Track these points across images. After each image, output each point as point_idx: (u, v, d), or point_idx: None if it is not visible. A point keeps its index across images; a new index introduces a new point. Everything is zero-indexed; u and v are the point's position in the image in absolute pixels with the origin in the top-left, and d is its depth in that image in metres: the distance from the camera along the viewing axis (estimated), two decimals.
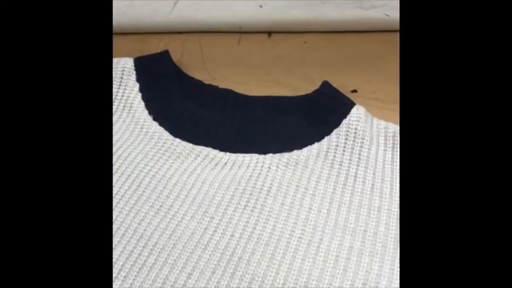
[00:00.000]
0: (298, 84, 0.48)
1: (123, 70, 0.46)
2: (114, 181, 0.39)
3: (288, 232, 0.37)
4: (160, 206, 0.38)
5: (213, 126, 0.44)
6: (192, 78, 0.48)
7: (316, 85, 0.46)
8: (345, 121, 0.42)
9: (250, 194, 0.39)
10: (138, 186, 0.39)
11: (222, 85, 0.47)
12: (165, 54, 0.48)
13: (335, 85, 0.45)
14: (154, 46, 0.51)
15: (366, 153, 0.41)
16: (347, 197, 0.39)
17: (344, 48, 0.51)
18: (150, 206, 0.38)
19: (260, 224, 0.37)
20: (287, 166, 0.41)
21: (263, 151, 0.42)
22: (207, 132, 0.43)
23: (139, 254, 0.36)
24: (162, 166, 0.41)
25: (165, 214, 0.38)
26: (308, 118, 0.44)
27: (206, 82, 0.48)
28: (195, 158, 0.41)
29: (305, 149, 0.42)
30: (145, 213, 0.38)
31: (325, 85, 0.46)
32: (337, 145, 0.42)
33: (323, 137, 0.42)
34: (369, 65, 0.49)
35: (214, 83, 0.47)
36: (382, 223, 0.37)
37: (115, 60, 0.46)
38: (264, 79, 0.49)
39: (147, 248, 0.36)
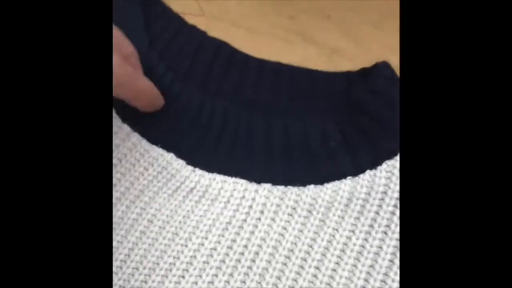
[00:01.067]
0: (338, 43, 0.30)
1: None
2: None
3: None
4: None
5: (187, 113, 0.29)
6: (164, 10, 0.30)
7: (366, 51, 0.28)
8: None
9: (224, 256, 0.26)
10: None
11: (216, 28, 0.29)
12: None
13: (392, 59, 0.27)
14: None
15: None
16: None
17: None
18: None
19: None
20: (293, 215, 0.26)
21: (258, 174, 0.27)
22: (176, 121, 0.29)
23: None
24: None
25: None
26: (343, 124, 0.28)
27: (193, 18, 0.29)
28: (147, 170, 0.29)
29: (329, 186, 0.27)
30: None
31: (382, 66, 0.28)
32: (385, 192, 0.26)
33: (363, 170, 0.27)
34: None
35: (203, 22, 0.29)
36: None
37: None
38: (284, 27, 0.31)
39: None
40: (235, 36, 0.29)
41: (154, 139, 0.28)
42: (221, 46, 0.30)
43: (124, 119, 0.28)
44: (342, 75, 0.29)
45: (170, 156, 0.28)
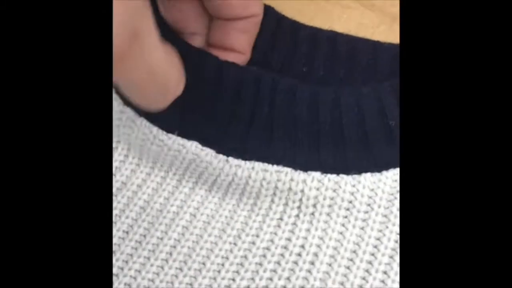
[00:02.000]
0: None
1: None
2: None
3: None
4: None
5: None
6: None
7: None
8: None
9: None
10: None
11: None
12: None
13: None
14: None
15: None
16: None
17: None
18: None
19: None
20: (350, 209, 0.23)
21: (301, 155, 0.23)
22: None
23: None
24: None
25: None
26: None
27: None
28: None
29: (388, 175, 0.23)
30: None
31: None
32: None
33: None
34: None
35: None
36: None
37: None
38: None
39: None
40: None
41: (167, 126, 0.23)
42: (266, 12, 0.25)
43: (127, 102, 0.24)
44: None
45: (195, 146, 0.23)
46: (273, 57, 0.25)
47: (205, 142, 0.23)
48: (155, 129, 0.23)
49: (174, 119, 0.23)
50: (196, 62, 0.23)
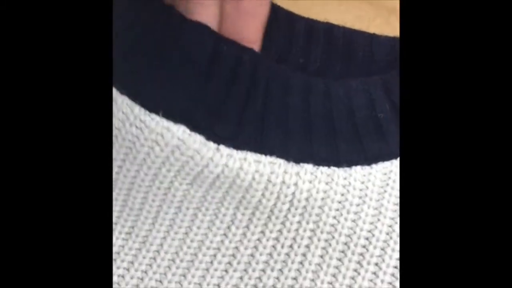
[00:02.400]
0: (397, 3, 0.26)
1: None
2: None
3: None
4: None
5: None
6: None
7: None
8: None
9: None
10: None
11: None
12: None
13: None
14: None
15: None
16: None
17: None
18: None
19: None
20: (342, 202, 0.22)
21: (293, 146, 0.22)
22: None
23: None
24: None
25: None
26: (396, 97, 0.23)
27: None
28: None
29: (378, 168, 0.22)
30: None
31: None
32: None
33: None
34: None
35: None
36: None
37: None
38: None
39: None
40: None
41: (152, 105, 0.21)
42: None
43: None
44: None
45: (182, 130, 0.21)
46: (270, 48, 0.25)
47: (193, 127, 0.21)
48: (137, 108, 0.21)
49: (160, 96, 0.21)
50: (194, 34, 0.21)
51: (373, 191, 0.22)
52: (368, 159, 0.22)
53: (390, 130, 0.22)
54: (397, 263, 0.22)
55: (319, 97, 0.22)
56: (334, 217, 0.22)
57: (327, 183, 0.22)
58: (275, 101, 0.22)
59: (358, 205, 0.22)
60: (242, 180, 0.21)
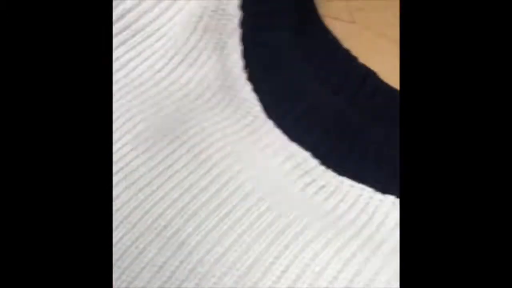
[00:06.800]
0: None
1: None
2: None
3: None
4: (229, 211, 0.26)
5: (325, 118, 0.28)
6: (318, 21, 0.30)
7: None
8: None
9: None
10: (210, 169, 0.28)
11: (363, 34, 0.29)
12: None
13: None
14: None
15: None
16: None
17: None
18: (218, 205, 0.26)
19: None
20: (395, 227, 0.26)
21: (385, 185, 0.26)
22: (314, 124, 0.28)
23: None
24: (240, 153, 0.27)
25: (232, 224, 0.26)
26: None
27: (340, 23, 0.30)
28: (283, 162, 0.27)
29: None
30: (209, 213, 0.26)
31: None
32: None
33: None
34: None
35: (351, 28, 0.30)
36: None
37: None
38: None
39: None
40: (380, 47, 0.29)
41: (293, 137, 0.27)
42: (367, 76, 0.28)
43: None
44: None
45: (308, 155, 0.27)
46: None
47: (314, 155, 0.27)
48: (284, 137, 0.28)
49: (297, 133, 0.28)
50: None
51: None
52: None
53: None
54: None
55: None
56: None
57: (396, 210, 0.25)
58: (372, 149, 0.27)
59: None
60: (337, 194, 0.26)
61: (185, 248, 0.24)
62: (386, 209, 0.25)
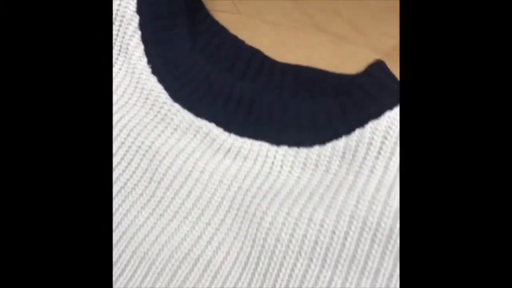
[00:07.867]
0: (343, 33, 0.37)
1: None
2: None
3: (290, 254, 0.30)
4: (150, 196, 0.32)
5: (222, 93, 0.34)
6: (207, 16, 0.38)
7: (367, 38, 0.35)
8: (389, 113, 0.32)
9: (253, 198, 0.32)
10: (128, 164, 0.32)
11: (248, 22, 0.37)
12: None
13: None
14: None
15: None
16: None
17: None
18: (140, 195, 0.32)
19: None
20: (304, 168, 0.32)
21: (277, 138, 0.33)
22: (214, 99, 0.34)
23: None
24: (155, 139, 0.33)
25: (154, 208, 0.32)
26: (344, 103, 0.34)
27: (229, 15, 0.37)
28: (194, 136, 0.33)
29: (329, 145, 0.32)
30: (132, 203, 0.32)
31: (377, 66, 0.35)
32: (371, 143, 0.32)
33: (354, 130, 0.32)
34: None
35: (237, 18, 0.37)
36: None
37: None
38: (303, 21, 0.38)
39: (126, 253, 0.31)
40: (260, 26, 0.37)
41: (198, 113, 0.33)
42: (254, 54, 0.36)
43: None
44: (344, 74, 0.35)
45: (212, 125, 0.33)
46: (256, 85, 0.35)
47: (217, 125, 0.34)
48: (190, 115, 0.34)
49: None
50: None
51: (324, 159, 0.33)
52: (323, 141, 0.33)
53: (339, 124, 0.33)
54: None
55: (294, 112, 0.34)
56: (298, 177, 0.33)
57: (294, 156, 0.34)
58: (266, 114, 0.34)
59: (313, 169, 0.33)
60: (242, 153, 0.33)
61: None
62: (282, 157, 0.33)
